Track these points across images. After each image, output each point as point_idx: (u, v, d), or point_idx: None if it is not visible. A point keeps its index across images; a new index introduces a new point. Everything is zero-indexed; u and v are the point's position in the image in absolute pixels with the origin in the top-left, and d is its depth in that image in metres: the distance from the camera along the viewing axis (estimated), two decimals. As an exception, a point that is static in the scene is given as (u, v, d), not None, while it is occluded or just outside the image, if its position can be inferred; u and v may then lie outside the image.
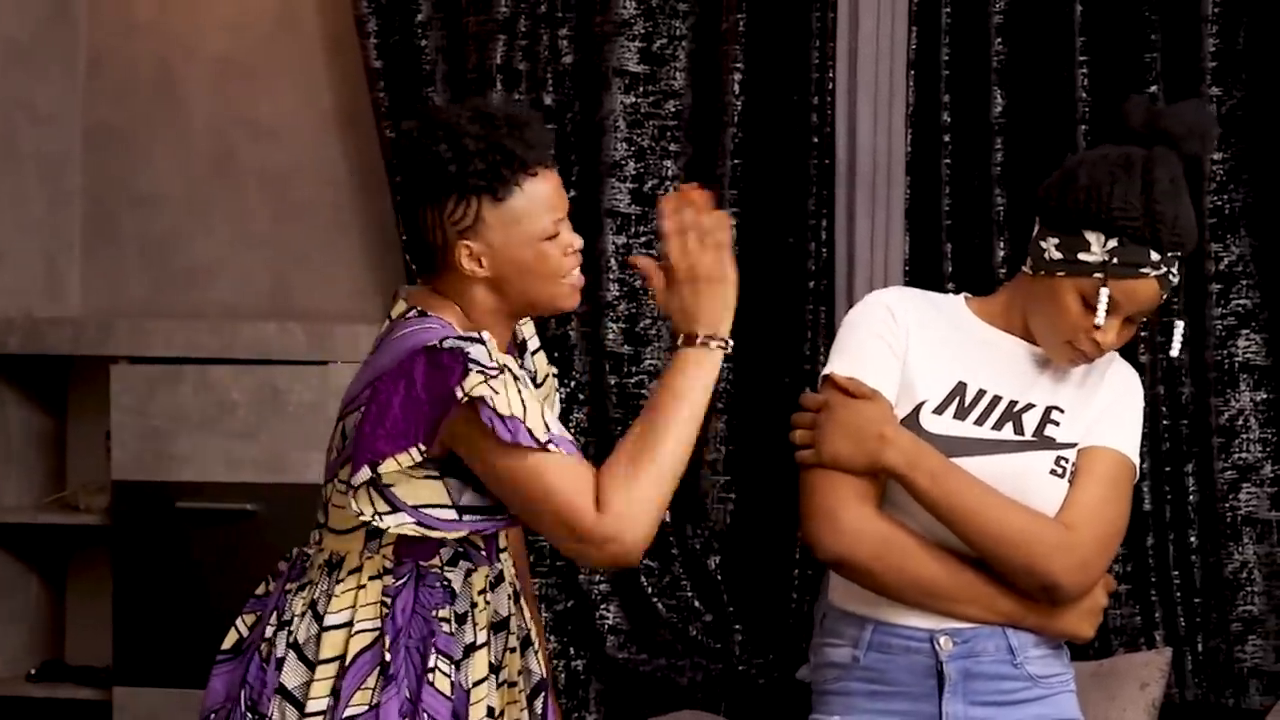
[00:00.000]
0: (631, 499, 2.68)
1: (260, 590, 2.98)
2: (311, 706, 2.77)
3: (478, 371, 2.66)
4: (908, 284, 4.38)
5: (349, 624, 2.79)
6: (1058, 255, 2.85)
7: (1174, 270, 2.86)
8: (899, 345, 2.92)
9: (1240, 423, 4.25)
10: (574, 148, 4.59)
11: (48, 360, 4.87)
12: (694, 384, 2.75)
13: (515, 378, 2.71)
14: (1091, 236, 2.83)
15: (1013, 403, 2.91)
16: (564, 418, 4.51)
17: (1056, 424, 2.90)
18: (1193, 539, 4.27)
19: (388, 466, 2.68)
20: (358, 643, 2.78)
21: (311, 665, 2.80)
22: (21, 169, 4.91)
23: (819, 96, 4.44)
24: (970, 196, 4.38)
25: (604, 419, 4.55)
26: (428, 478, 2.74)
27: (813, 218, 4.45)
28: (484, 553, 2.89)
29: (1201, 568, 4.28)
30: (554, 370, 3.10)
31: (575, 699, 4.56)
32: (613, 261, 4.54)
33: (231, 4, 4.95)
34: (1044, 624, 2.90)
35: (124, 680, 4.53)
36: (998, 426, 2.89)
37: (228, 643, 2.95)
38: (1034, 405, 2.91)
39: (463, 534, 2.77)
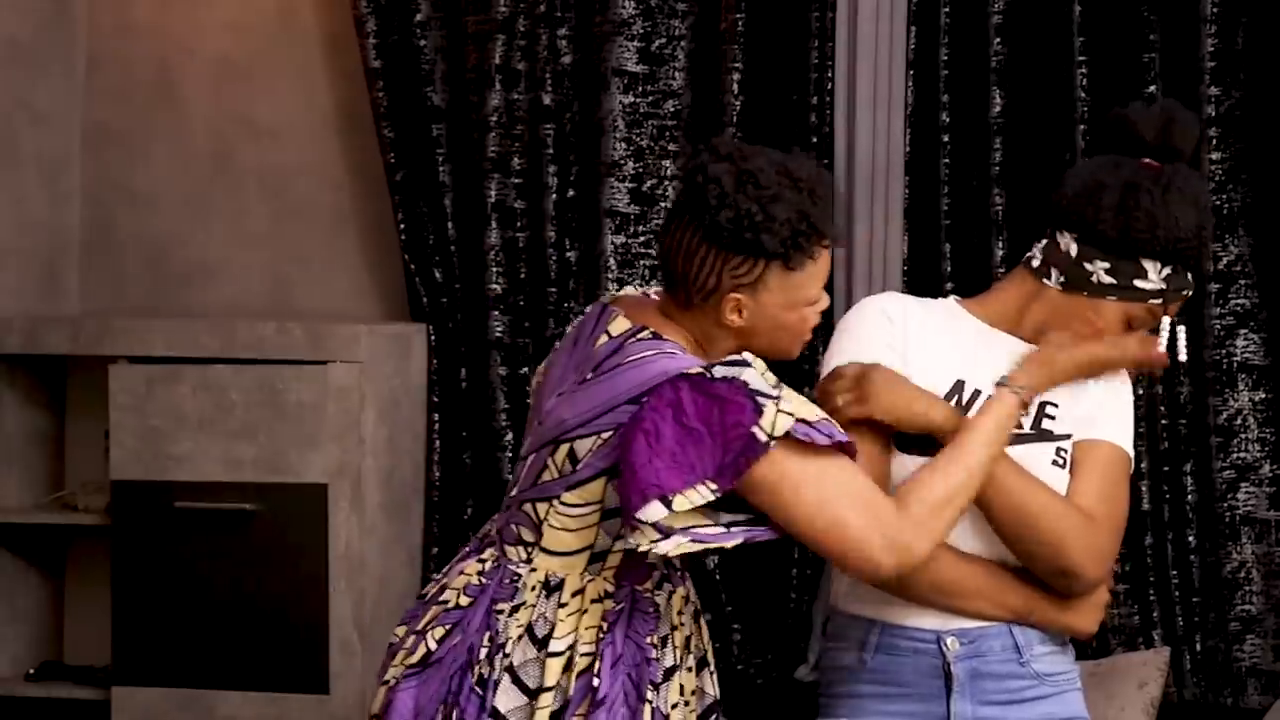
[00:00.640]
0: (924, 505, 2.71)
1: (429, 591, 2.92)
2: None
3: (770, 403, 2.64)
4: (906, 284, 4.39)
5: (571, 648, 2.76)
6: (1109, 280, 2.88)
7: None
8: (898, 345, 2.93)
9: (1239, 422, 4.25)
10: (573, 148, 4.59)
11: (47, 360, 4.87)
12: (995, 422, 2.80)
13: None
14: (1149, 264, 2.88)
15: None
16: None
17: (1052, 418, 2.92)
18: (1191, 538, 4.27)
19: (681, 505, 2.63)
20: (578, 667, 2.75)
21: (529, 690, 2.75)
22: (21, 169, 4.92)
23: (818, 96, 4.44)
24: (969, 196, 4.38)
25: (603, 419, 4.55)
26: None
27: (812, 218, 4.45)
28: (680, 573, 2.88)
29: (1200, 567, 4.28)
30: None
31: (574, 699, 4.56)
32: (611, 261, 4.54)
33: (231, 4, 4.95)
34: (1052, 619, 2.91)
35: (123, 680, 4.53)
36: None
37: (415, 657, 2.85)
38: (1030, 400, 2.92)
39: (738, 542, 2.71)
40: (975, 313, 3.01)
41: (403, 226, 4.67)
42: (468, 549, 2.95)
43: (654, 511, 2.63)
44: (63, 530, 4.90)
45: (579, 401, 2.76)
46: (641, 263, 4.55)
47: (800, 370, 4.43)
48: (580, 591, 2.78)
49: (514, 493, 2.87)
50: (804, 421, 2.65)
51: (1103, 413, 2.95)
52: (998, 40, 4.33)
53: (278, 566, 4.43)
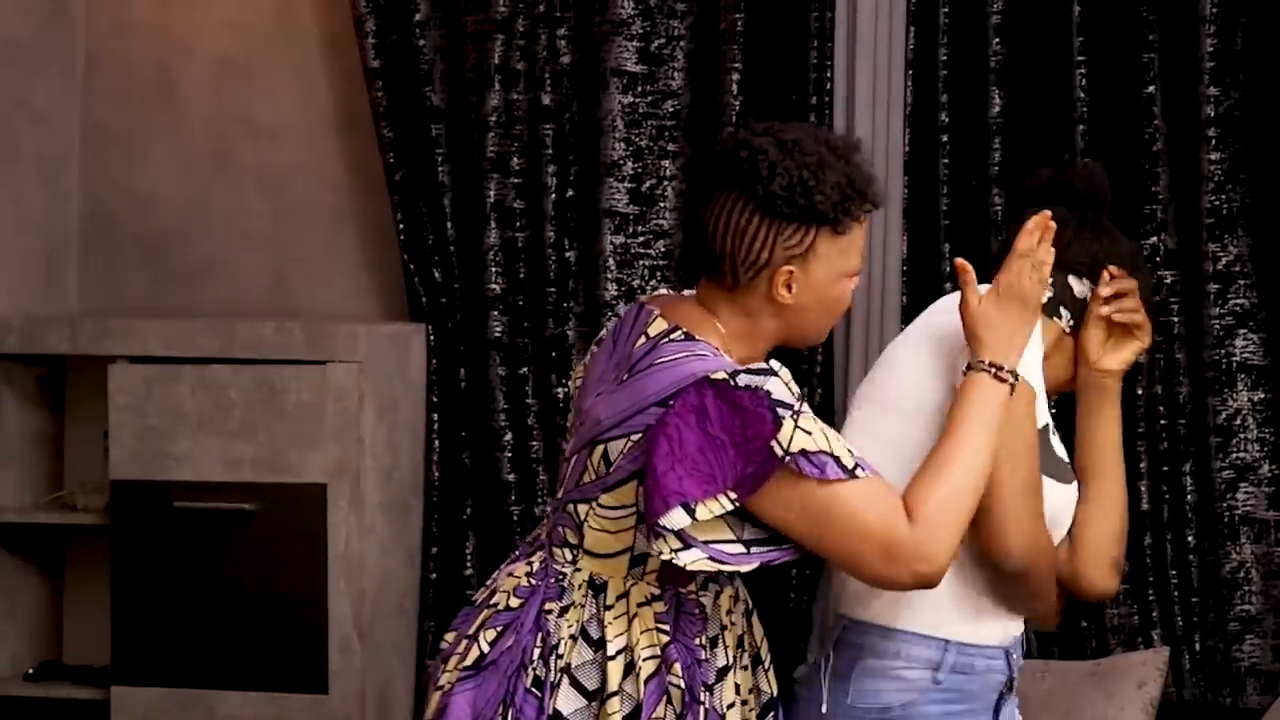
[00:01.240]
0: (937, 508, 2.68)
1: (478, 596, 2.92)
2: None
3: (789, 416, 2.64)
4: (905, 284, 4.39)
5: (627, 649, 2.77)
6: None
7: None
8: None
9: (1238, 422, 4.25)
10: (572, 148, 4.59)
11: (46, 359, 4.87)
12: (975, 409, 2.75)
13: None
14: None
15: None
16: (561, 418, 4.51)
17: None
18: (1190, 538, 4.28)
19: (703, 514, 2.64)
20: (645, 672, 2.76)
21: (587, 693, 2.76)
22: (20, 168, 4.91)
23: (817, 96, 4.44)
24: (968, 196, 4.38)
25: (602, 418, 4.55)
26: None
27: (811, 217, 4.45)
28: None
29: (1199, 567, 4.28)
30: None
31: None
32: (610, 261, 4.54)
33: (229, 4, 4.95)
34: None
35: (122, 680, 4.53)
36: None
37: (469, 659, 2.84)
38: None
39: (754, 566, 2.71)
40: None
41: (402, 226, 4.67)
42: (516, 553, 2.96)
43: (678, 519, 2.64)
44: (62, 530, 4.90)
45: (616, 401, 2.77)
46: (641, 263, 4.55)
47: (799, 370, 4.44)
48: (625, 595, 2.79)
49: (560, 494, 2.88)
50: (804, 453, 2.65)
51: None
52: (997, 40, 4.33)
53: (277, 566, 4.43)
